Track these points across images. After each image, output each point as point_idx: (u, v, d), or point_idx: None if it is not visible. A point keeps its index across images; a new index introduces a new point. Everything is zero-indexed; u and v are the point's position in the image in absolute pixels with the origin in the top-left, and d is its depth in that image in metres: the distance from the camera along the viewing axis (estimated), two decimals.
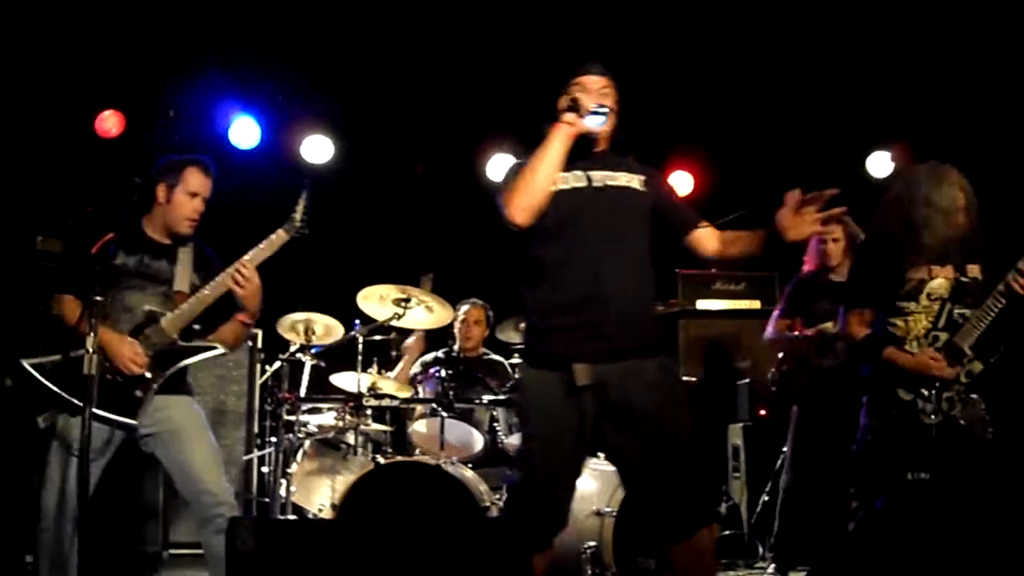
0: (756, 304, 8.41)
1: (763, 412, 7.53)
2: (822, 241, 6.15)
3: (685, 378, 7.58)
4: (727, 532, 7.19)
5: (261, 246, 4.68)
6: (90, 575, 4.26)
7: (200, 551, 4.79)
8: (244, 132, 8.32)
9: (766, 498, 6.97)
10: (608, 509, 5.73)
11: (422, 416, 6.75)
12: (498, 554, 3.65)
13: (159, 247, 4.78)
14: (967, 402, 4.67)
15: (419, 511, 5.79)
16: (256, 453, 7.12)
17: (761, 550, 7.02)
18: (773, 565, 6.32)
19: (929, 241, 4.69)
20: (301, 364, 6.96)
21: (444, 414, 6.49)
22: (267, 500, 6.58)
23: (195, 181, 4.78)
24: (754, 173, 8.49)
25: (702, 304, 8.45)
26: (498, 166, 8.92)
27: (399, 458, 6.23)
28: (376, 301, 6.73)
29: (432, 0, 7.85)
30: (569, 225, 4.02)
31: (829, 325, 6.05)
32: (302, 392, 6.89)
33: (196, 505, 4.58)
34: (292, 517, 6.39)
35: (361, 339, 6.71)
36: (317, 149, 8.66)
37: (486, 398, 6.70)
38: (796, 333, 6.27)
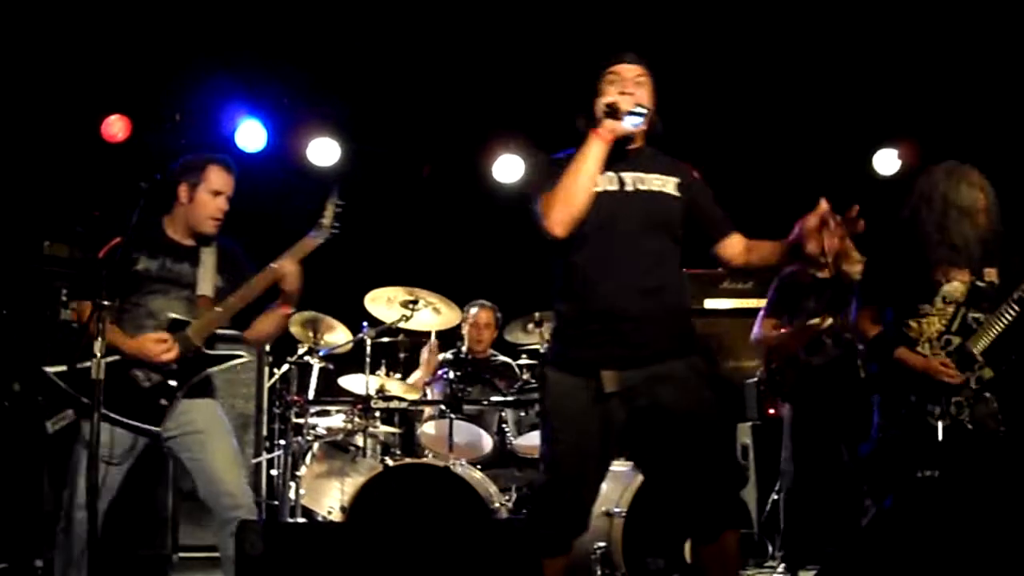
0: (764, 303, 8.38)
1: (772, 411, 7.51)
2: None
3: None
4: (739, 532, 7.17)
5: (293, 250, 4.65)
6: None
7: (210, 554, 4.79)
8: (250, 135, 8.32)
9: (775, 497, 6.96)
10: (618, 510, 5.72)
11: (431, 418, 6.76)
12: (507, 555, 3.65)
13: (181, 249, 4.72)
14: (976, 405, 4.66)
15: (428, 513, 5.80)
16: (265, 456, 7.12)
17: (771, 549, 7.01)
18: (783, 564, 6.31)
19: (952, 242, 4.67)
20: (309, 367, 6.98)
21: (453, 416, 6.49)
22: (276, 503, 6.59)
23: (218, 179, 4.71)
24: (761, 170, 8.49)
25: (710, 303, 8.42)
26: (505, 166, 8.92)
27: (408, 460, 6.24)
28: (384, 303, 6.74)
29: (437, 1, 7.85)
30: (600, 230, 3.91)
31: (817, 321, 6.05)
32: (310, 395, 6.91)
33: (215, 507, 4.56)
34: (301, 520, 6.39)
35: (369, 341, 6.72)
36: (324, 152, 8.65)
37: (495, 399, 6.70)
38: (783, 331, 6.26)
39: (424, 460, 6.35)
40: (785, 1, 7.81)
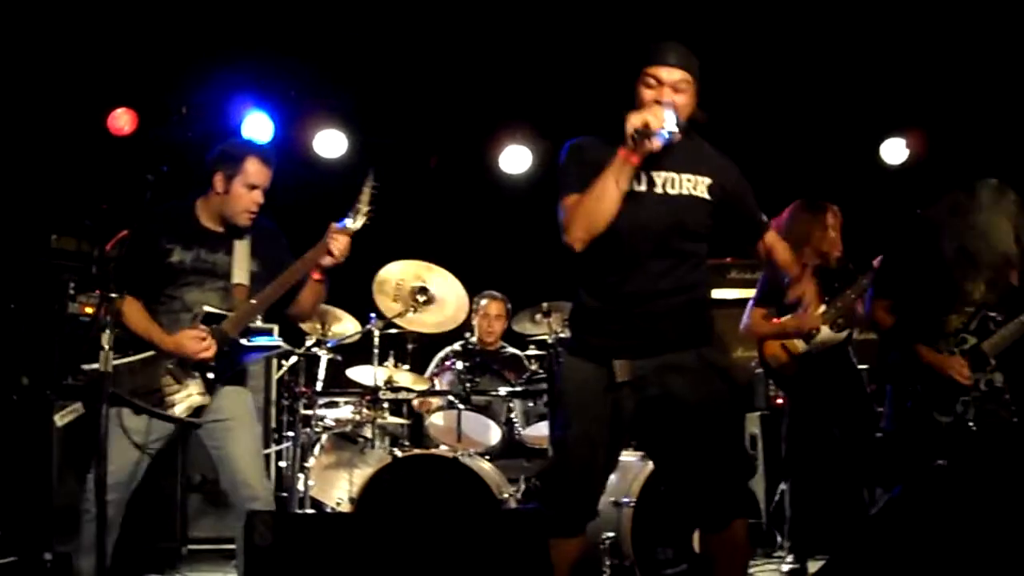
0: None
1: (780, 401, 7.50)
2: None
3: None
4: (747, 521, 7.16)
5: (334, 239, 4.59)
6: (112, 569, 4.26)
7: (219, 547, 4.79)
8: (257, 127, 8.31)
9: (784, 487, 6.95)
10: (627, 500, 5.72)
11: (439, 409, 6.75)
12: (516, 546, 3.64)
13: (215, 237, 4.64)
14: (984, 405, 4.65)
15: (437, 504, 5.80)
16: (274, 448, 7.13)
17: (779, 539, 6.99)
18: (792, 554, 6.30)
19: (982, 270, 4.65)
20: (317, 358, 6.98)
21: (461, 406, 6.49)
22: (285, 494, 6.59)
23: (255, 172, 4.60)
24: (769, 159, 8.46)
25: (717, 293, 8.41)
26: (512, 157, 8.91)
27: (416, 451, 6.24)
28: (391, 293, 6.74)
29: None
30: (625, 231, 3.87)
31: (811, 325, 6.03)
32: (319, 386, 6.91)
33: (234, 497, 4.55)
34: (310, 511, 6.39)
35: (377, 332, 6.71)
36: (330, 143, 8.66)
37: (503, 390, 6.70)
38: (775, 322, 6.23)
39: (432, 451, 6.36)
40: None
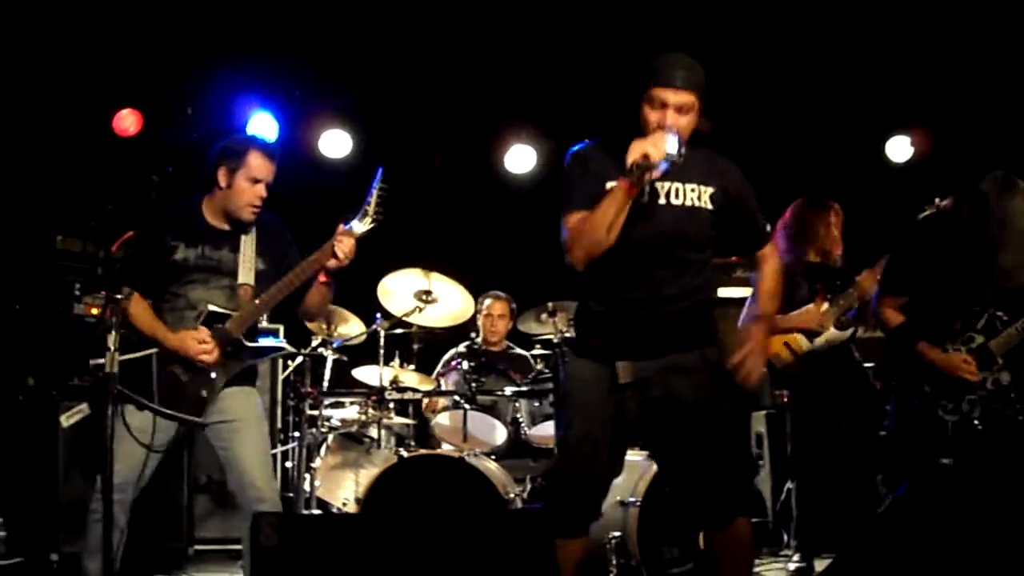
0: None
1: (785, 399, 7.50)
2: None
3: None
4: (751, 520, 7.15)
5: (341, 241, 4.56)
6: (118, 570, 4.26)
7: (224, 547, 4.79)
8: (262, 128, 8.32)
9: (790, 485, 6.95)
10: (633, 499, 5.72)
11: (445, 409, 6.76)
12: (522, 546, 3.65)
13: (219, 234, 4.62)
14: (990, 404, 4.64)
15: (443, 504, 5.80)
16: (280, 448, 7.13)
17: (786, 538, 6.99)
18: (798, 553, 6.29)
19: (1001, 264, 4.64)
20: (323, 358, 6.98)
21: (467, 406, 6.49)
22: (291, 495, 6.59)
23: (258, 165, 4.56)
24: (774, 158, 8.46)
25: (723, 292, 8.39)
26: (516, 157, 8.90)
27: (422, 451, 6.24)
28: (397, 292, 6.74)
29: None
30: (630, 241, 3.87)
31: (811, 307, 6.03)
32: (325, 386, 6.91)
33: (241, 499, 4.55)
34: (316, 512, 6.40)
35: (383, 333, 6.71)
36: (335, 143, 8.66)
37: (508, 390, 6.70)
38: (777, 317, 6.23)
39: (438, 451, 6.36)
40: None
